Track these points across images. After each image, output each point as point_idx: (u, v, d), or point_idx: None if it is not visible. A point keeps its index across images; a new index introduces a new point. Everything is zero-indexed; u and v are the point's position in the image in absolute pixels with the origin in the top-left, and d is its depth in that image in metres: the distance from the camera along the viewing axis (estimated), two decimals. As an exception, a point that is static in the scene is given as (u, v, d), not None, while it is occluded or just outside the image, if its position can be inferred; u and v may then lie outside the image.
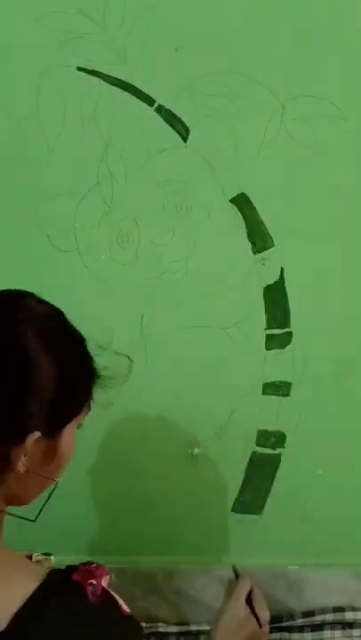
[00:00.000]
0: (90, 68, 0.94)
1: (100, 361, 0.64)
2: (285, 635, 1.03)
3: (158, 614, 1.06)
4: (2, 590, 0.54)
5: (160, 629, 1.05)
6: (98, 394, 0.65)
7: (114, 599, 0.57)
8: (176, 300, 0.99)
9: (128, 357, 0.92)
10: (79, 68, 0.94)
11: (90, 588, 0.55)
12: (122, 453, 1.04)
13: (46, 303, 0.62)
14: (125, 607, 0.58)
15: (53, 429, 0.59)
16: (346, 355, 0.99)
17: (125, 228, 0.98)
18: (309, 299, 0.99)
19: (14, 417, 0.56)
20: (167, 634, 1.04)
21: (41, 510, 0.62)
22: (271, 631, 1.03)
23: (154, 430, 1.03)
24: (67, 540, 0.96)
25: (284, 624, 1.03)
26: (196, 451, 1.03)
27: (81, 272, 0.99)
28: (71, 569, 0.57)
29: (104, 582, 0.57)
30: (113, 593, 0.58)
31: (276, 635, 1.03)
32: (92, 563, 0.58)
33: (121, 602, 0.58)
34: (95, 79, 0.94)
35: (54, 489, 0.62)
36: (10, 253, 0.99)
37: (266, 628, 0.93)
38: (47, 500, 0.62)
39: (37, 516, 0.61)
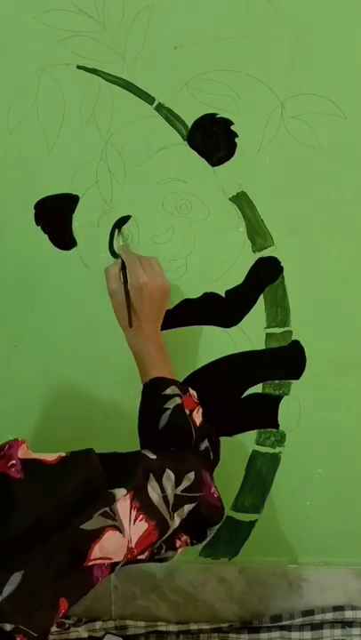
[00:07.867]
0: (89, 67, 0.93)
1: None
2: (285, 633, 1.03)
3: (158, 613, 1.07)
4: None
5: (160, 628, 1.05)
6: None
7: (34, 460, 0.62)
8: (176, 298, 0.99)
9: None
10: (79, 67, 0.93)
11: (12, 470, 0.60)
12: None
13: None
14: (50, 457, 0.63)
15: None
16: (346, 355, 0.99)
17: (125, 226, 0.98)
18: (309, 297, 0.98)
19: None
20: (167, 633, 1.05)
21: None
22: (271, 630, 1.03)
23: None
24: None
25: (284, 623, 1.04)
26: (195, 450, 1.03)
27: (81, 271, 0.99)
28: None
29: (20, 452, 0.62)
30: (31, 453, 0.63)
31: (276, 633, 1.03)
32: (6, 444, 0.63)
33: (43, 456, 0.63)
34: (94, 77, 0.94)
35: None
36: (9, 253, 0.99)
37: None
38: None
39: None
